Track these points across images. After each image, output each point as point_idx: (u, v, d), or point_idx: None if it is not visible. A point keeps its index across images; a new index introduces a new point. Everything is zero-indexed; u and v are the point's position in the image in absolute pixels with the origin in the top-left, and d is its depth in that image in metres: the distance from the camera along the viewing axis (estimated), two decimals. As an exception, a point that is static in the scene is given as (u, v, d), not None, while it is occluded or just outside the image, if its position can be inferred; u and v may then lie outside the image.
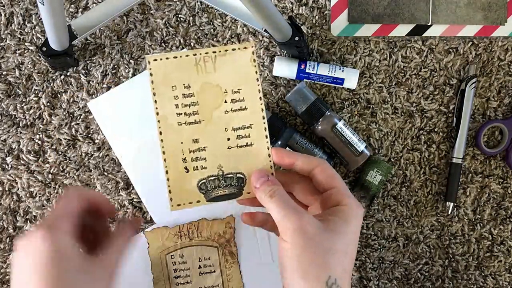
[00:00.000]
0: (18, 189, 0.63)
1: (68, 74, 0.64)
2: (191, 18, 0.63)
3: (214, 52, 0.41)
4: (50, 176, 0.63)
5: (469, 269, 0.65)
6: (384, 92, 0.64)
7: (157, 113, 0.41)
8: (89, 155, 0.63)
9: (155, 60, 0.41)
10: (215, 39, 0.64)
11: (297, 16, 0.63)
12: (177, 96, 0.41)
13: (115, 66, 0.64)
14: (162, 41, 0.64)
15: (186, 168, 0.42)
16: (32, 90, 0.63)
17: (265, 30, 0.58)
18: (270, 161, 0.41)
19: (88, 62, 0.64)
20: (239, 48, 0.41)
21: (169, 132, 0.41)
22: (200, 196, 0.42)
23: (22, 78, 0.63)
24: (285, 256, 0.36)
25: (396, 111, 0.64)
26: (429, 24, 0.63)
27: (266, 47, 0.63)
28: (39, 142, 0.63)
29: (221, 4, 0.60)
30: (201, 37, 0.64)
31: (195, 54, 0.41)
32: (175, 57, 0.41)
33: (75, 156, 0.63)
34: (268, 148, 0.41)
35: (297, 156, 0.41)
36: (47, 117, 0.63)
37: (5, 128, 0.63)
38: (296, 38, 0.55)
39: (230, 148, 0.42)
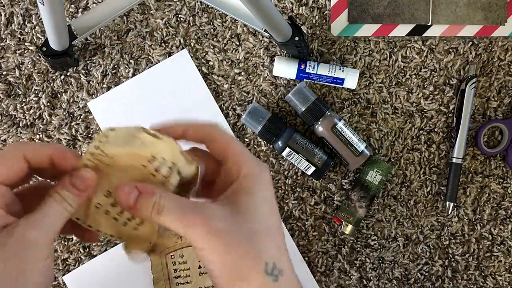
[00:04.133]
0: (18, 189, 0.63)
1: (68, 74, 0.63)
2: (191, 18, 0.63)
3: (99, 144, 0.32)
4: (50, 176, 0.63)
5: (469, 269, 0.65)
6: (384, 92, 0.64)
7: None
8: (89, 155, 0.63)
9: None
10: (215, 39, 0.64)
11: (297, 16, 0.63)
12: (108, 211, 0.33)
13: (115, 66, 0.64)
14: (162, 41, 0.64)
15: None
16: (32, 90, 0.63)
17: (265, 30, 0.58)
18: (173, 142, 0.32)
19: (88, 62, 0.64)
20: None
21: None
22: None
23: (22, 78, 0.63)
24: (210, 265, 0.30)
25: (396, 111, 0.64)
26: (429, 24, 0.63)
27: (266, 47, 0.63)
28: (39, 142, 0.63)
29: (221, 4, 0.60)
30: (201, 37, 0.64)
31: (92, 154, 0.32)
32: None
33: (75, 156, 0.63)
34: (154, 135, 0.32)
35: (187, 123, 0.34)
36: (47, 117, 0.63)
37: (5, 128, 0.63)
38: (296, 38, 0.55)
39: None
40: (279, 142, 0.61)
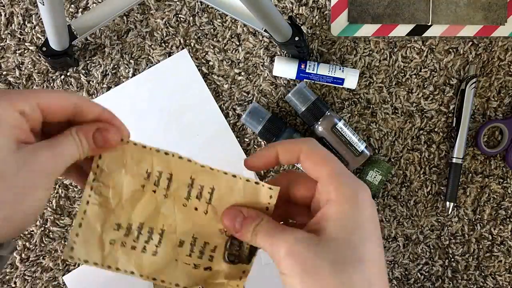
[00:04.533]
0: (18, 189, 0.63)
1: (68, 74, 0.64)
2: (191, 18, 0.63)
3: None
4: (50, 176, 0.63)
5: (469, 269, 0.65)
6: (384, 92, 0.64)
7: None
8: (89, 155, 0.63)
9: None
10: (215, 39, 0.64)
11: (297, 16, 0.63)
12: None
13: (115, 66, 0.64)
14: (162, 41, 0.64)
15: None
16: (32, 90, 0.63)
17: (265, 30, 0.58)
18: (248, 180, 0.31)
19: (88, 62, 0.64)
20: None
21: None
22: (242, 266, 0.32)
23: (22, 78, 0.63)
24: None
25: (396, 111, 0.64)
26: (429, 24, 0.63)
27: (266, 47, 0.63)
28: (39, 142, 0.63)
29: (221, 4, 0.60)
30: (201, 37, 0.64)
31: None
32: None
33: (75, 156, 0.63)
34: (235, 176, 0.31)
35: (277, 146, 0.32)
36: (47, 117, 0.63)
37: (5, 128, 0.63)
38: (296, 38, 0.55)
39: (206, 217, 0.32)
40: (279, 142, 0.61)
